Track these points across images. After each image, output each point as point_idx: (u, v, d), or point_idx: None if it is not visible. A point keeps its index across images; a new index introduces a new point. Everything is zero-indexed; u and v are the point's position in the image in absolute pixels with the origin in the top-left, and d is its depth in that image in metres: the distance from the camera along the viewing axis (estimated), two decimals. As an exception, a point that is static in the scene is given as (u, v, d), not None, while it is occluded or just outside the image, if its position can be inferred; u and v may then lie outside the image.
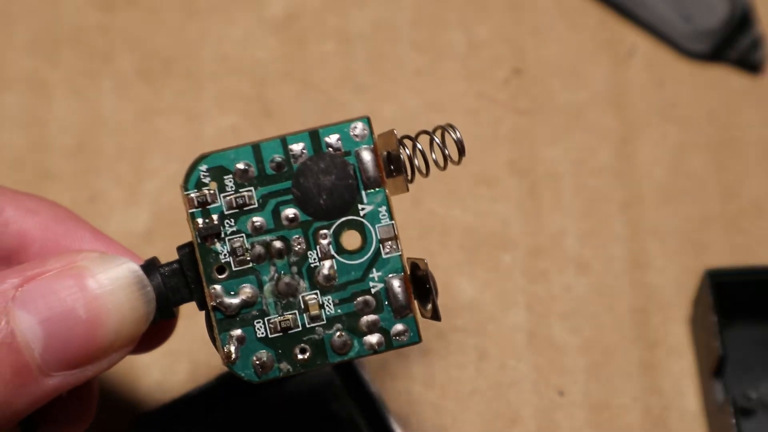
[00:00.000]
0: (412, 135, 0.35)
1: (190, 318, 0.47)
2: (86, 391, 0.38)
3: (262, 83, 0.51)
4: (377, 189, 0.35)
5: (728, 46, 0.51)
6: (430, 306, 0.35)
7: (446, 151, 0.35)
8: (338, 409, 0.45)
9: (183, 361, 0.46)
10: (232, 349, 0.34)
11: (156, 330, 0.38)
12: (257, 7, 0.52)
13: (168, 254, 0.36)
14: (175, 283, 0.35)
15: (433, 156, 0.35)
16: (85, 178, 0.49)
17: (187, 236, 0.35)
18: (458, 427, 0.46)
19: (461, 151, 0.35)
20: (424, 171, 0.35)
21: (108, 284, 0.33)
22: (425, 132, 0.35)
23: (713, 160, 0.50)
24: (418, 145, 0.35)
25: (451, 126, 0.35)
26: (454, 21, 0.52)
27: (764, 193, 0.49)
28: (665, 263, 0.48)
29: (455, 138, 0.35)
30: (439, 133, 0.35)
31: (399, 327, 0.35)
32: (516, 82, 0.51)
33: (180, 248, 0.35)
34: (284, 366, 0.35)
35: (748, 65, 0.51)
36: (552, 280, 0.48)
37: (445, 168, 0.35)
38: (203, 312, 0.35)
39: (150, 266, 0.35)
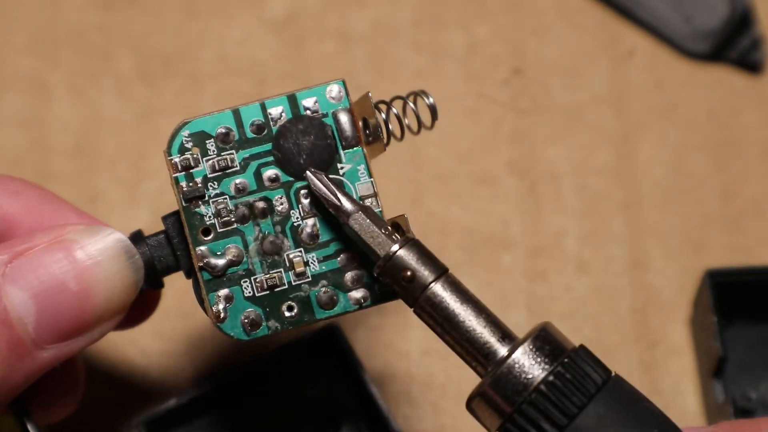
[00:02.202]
0: (387, 100, 0.37)
1: (190, 318, 0.47)
2: (72, 369, 0.38)
3: (262, 83, 0.51)
4: (355, 148, 0.36)
5: (728, 46, 0.51)
6: None
7: (419, 116, 0.37)
8: (338, 410, 0.45)
9: (183, 361, 0.47)
10: (221, 308, 0.35)
11: (142, 302, 0.38)
12: (257, 7, 0.52)
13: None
14: (161, 252, 0.36)
15: (406, 121, 0.37)
16: (85, 178, 0.49)
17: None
18: (458, 427, 0.46)
19: (434, 116, 0.36)
20: (398, 135, 0.37)
21: (96, 255, 0.34)
22: (399, 97, 0.36)
23: (713, 160, 0.50)
24: (393, 110, 0.36)
25: (424, 92, 0.37)
26: (454, 21, 0.52)
27: (764, 193, 0.49)
28: (665, 263, 0.48)
29: (428, 103, 0.36)
30: (412, 98, 0.37)
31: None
32: (516, 82, 0.51)
33: (165, 218, 0.36)
34: (272, 324, 0.36)
35: (748, 65, 0.51)
36: (552, 280, 0.48)
37: (418, 132, 0.37)
38: (199, 307, 0.36)
39: (136, 238, 0.36)
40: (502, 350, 0.34)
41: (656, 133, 0.51)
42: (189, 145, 0.35)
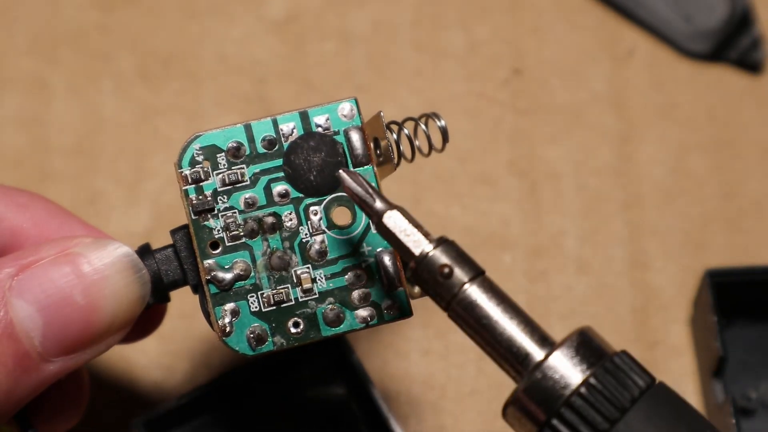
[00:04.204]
0: (399, 121, 0.37)
1: (190, 318, 0.47)
2: (77, 381, 0.38)
3: (262, 83, 0.51)
4: (365, 166, 0.36)
5: (728, 46, 0.51)
6: (418, 287, 0.36)
7: (430, 138, 0.36)
8: (338, 410, 0.45)
9: (183, 361, 0.47)
10: (227, 322, 0.35)
11: (148, 316, 0.38)
12: (257, 7, 0.52)
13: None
14: (168, 267, 0.36)
15: (417, 143, 0.37)
16: (85, 178, 0.49)
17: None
18: (458, 427, 0.46)
19: (445, 138, 0.36)
20: (409, 157, 0.37)
21: (103, 269, 0.34)
22: (411, 119, 0.36)
23: (713, 160, 0.50)
24: (405, 131, 0.37)
25: (436, 114, 0.36)
26: (454, 21, 0.52)
27: (764, 193, 0.49)
28: (665, 263, 0.48)
29: (440, 126, 0.36)
30: (423, 120, 0.37)
31: (389, 301, 0.36)
32: (516, 82, 0.51)
33: (173, 232, 0.36)
34: (278, 340, 0.36)
35: (748, 65, 0.51)
36: (552, 280, 0.48)
37: (428, 155, 0.37)
38: (199, 308, 0.36)
39: (144, 251, 0.36)
40: (539, 355, 0.32)
41: (656, 133, 0.51)
42: (200, 158, 0.36)
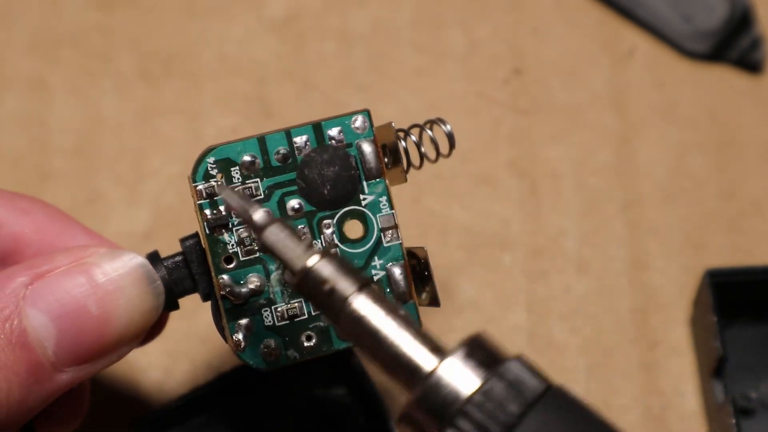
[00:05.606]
0: (405, 128, 0.37)
1: (190, 319, 0.47)
2: (79, 387, 0.38)
3: (262, 83, 0.51)
4: (378, 180, 0.36)
5: (728, 46, 0.51)
6: (425, 295, 0.36)
7: (437, 144, 0.37)
8: (339, 411, 0.45)
9: (183, 362, 0.47)
10: (241, 337, 0.36)
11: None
12: (257, 7, 0.52)
13: (168, 254, 0.36)
14: (179, 275, 0.36)
15: (423, 149, 0.37)
16: (85, 178, 0.49)
17: (187, 234, 0.36)
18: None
19: (451, 144, 0.37)
20: (418, 164, 0.37)
21: (118, 279, 0.34)
22: (417, 125, 0.36)
23: (713, 160, 0.50)
24: (413, 138, 0.37)
25: (442, 120, 0.37)
26: (454, 21, 0.52)
27: (764, 193, 0.49)
28: (665, 263, 0.48)
29: (446, 131, 0.36)
30: (429, 126, 0.37)
31: None
32: (516, 82, 0.51)
33: (183, 240, 0.36)
34: (291, 353, 0.36)
35: (748, 65, 0.51)
36: (552, 280, 0.48)
37: (436, 160, 0.37)
38: (205, 310, 0.36)
39: (153, 259, 0.36)
40: (430, 364, 0.30)
41: (656, 133, 0.51)
42: (214, 172, 0.36)
